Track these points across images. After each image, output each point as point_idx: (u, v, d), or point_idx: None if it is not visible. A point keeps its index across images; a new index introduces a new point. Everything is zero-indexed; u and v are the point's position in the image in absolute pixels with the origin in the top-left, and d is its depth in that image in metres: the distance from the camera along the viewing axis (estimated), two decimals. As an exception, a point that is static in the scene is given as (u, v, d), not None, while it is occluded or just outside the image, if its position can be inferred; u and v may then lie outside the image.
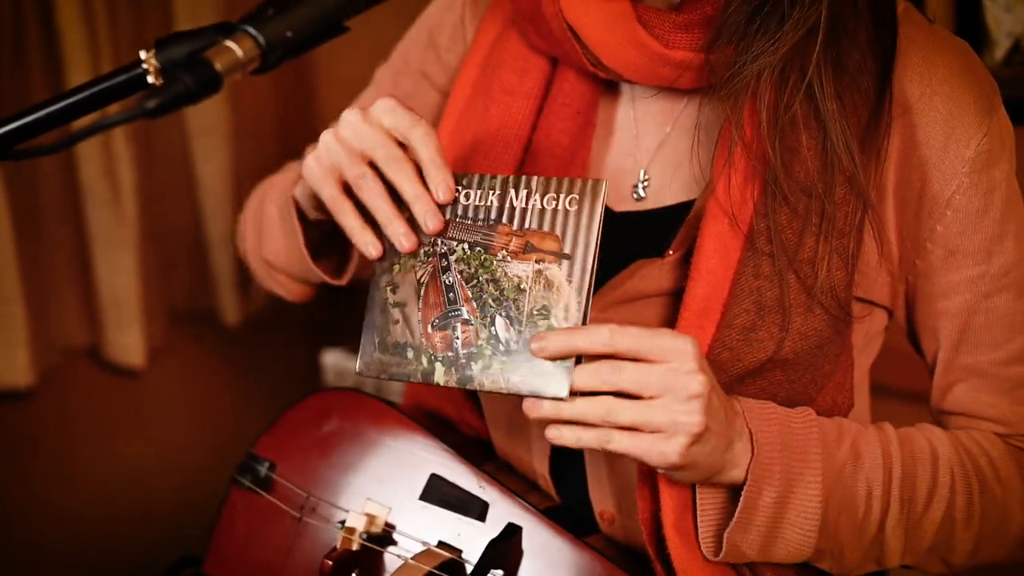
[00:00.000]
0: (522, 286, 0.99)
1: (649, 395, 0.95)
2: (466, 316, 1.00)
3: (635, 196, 1.21)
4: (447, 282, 1.02)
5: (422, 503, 1.18)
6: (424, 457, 1.19)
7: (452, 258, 1.02)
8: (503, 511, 1.15)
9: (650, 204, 1.20)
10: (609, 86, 1.24)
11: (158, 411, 2.50)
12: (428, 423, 1.22)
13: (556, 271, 0.98)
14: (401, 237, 1.02)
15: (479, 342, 0.99)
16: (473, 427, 1.29)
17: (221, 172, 2.39)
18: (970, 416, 1.17)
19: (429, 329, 1.02)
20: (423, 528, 1.17)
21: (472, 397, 1.28)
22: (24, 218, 2.13)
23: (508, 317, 0.99)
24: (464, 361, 1.00)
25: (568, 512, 1.21)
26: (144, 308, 2.32)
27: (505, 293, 0.99)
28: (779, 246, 1.09)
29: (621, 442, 0.95)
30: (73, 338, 2.32)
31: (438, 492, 1.18)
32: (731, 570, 1.12)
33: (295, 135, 2.63)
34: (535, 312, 0.98)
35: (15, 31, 2.11)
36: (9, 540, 2.28)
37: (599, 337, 0.94)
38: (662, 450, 0.96)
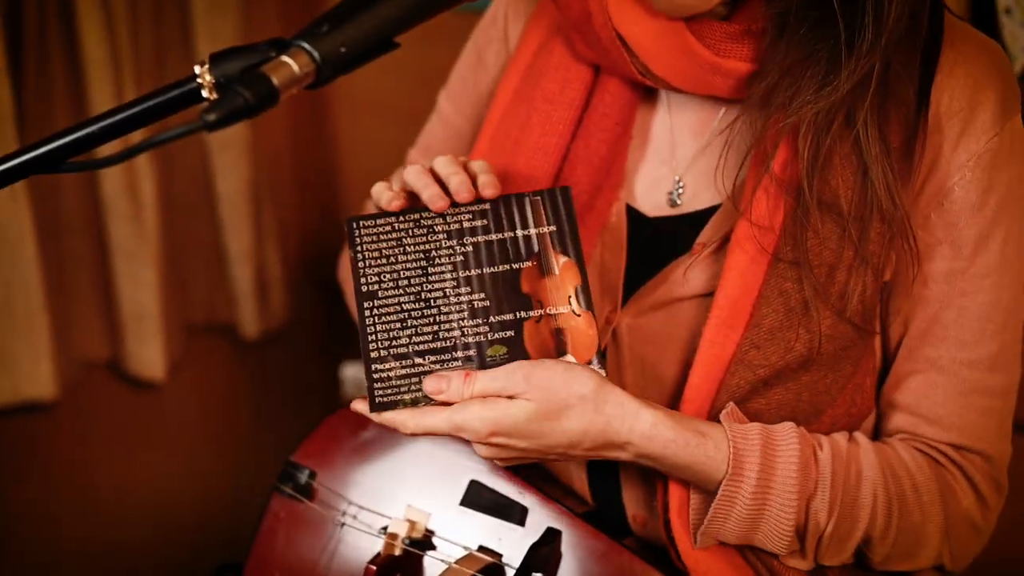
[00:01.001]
0: None
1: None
2: None
3: (670, 203, 1.24)
4: None
5: (462, 508, 1.20)
6: (463, 463, 1.21)
7: None
8: (542, 515, 1.17)
9: (685, 209, 1.23)
10: (647, 97, 1.27)
11: (178, 423, 2.51)
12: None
13: None
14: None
15: None
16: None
17: (240, 187, 2.41)
18: (916, 415, 1.18)
19: None
20: (464, 533, 1.19)
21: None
22: (47, 233, 2.15)
23: None
24: None
25: (602, 516, 1.24)
26: (165, 322, 2.33)
27: None
28: (815, 255, 1.11)
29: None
30: (94, 351, 2.33)
31: (478, 497, 1.20)
32: (737, 555, 1.16)
33: (311, 153, 2.66)
34: None
35: (40, 51, 2.13)
36: (30, 550, 2.29)
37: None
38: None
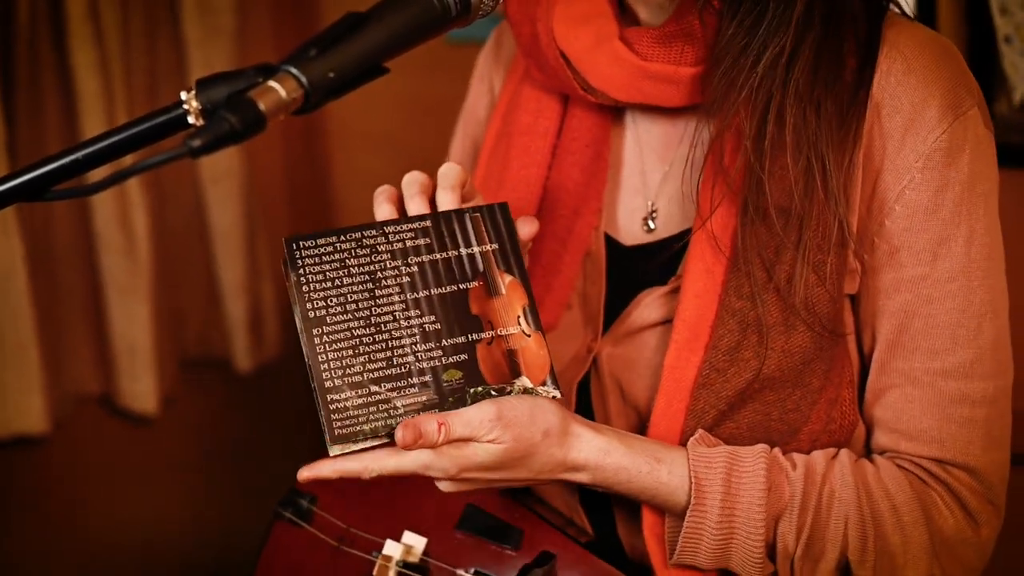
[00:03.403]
0: None
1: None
2: None
3: (646, 229, 1.24)
4: None
5: (459, 532, 1.19)
6: (460, 488, 1.20)
7: None
8: (539, 541, 1.16)
9: (660, 235, 1.23)
10: (617, 123, 1.27)
11: (170, 458, 2.50)
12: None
13: None
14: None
15: None
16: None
17: (234, 221, 2.41)
18: (896, 431, 1.15)
19: None
20: (460, 557, 1.18)
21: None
22: (39, 265, 2.15)
23: None
24: None
25: (602, 547, 1.22)
26: (157, 355, 2.32)
27: None
28: (758, 265, 1.11)
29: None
30: (86, 385, 2.32)
31: (475, 522, 1.19)
32: None
33: (306, 186, 2.66)
34: None
35: (31, 79, 2.13)
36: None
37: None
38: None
